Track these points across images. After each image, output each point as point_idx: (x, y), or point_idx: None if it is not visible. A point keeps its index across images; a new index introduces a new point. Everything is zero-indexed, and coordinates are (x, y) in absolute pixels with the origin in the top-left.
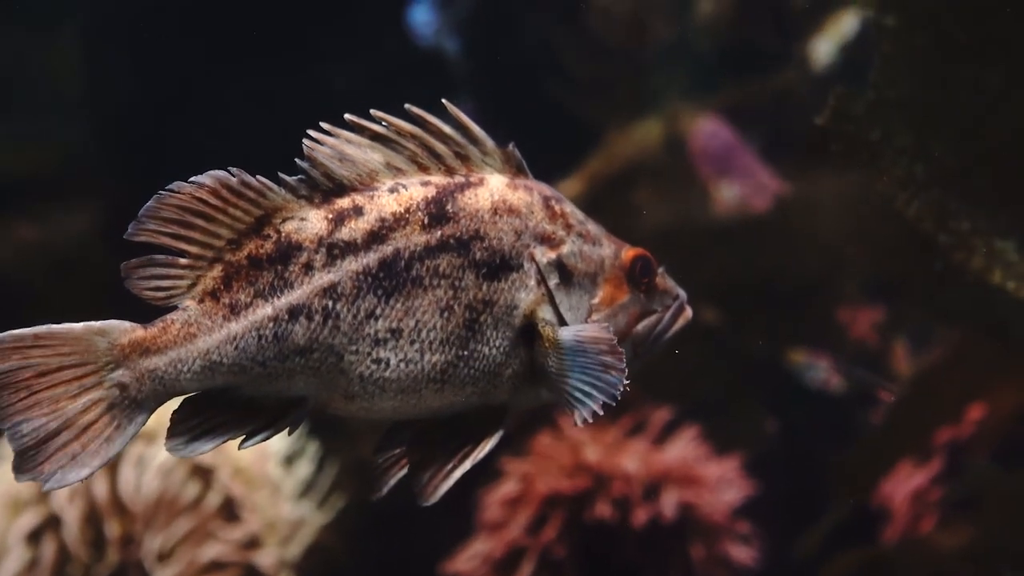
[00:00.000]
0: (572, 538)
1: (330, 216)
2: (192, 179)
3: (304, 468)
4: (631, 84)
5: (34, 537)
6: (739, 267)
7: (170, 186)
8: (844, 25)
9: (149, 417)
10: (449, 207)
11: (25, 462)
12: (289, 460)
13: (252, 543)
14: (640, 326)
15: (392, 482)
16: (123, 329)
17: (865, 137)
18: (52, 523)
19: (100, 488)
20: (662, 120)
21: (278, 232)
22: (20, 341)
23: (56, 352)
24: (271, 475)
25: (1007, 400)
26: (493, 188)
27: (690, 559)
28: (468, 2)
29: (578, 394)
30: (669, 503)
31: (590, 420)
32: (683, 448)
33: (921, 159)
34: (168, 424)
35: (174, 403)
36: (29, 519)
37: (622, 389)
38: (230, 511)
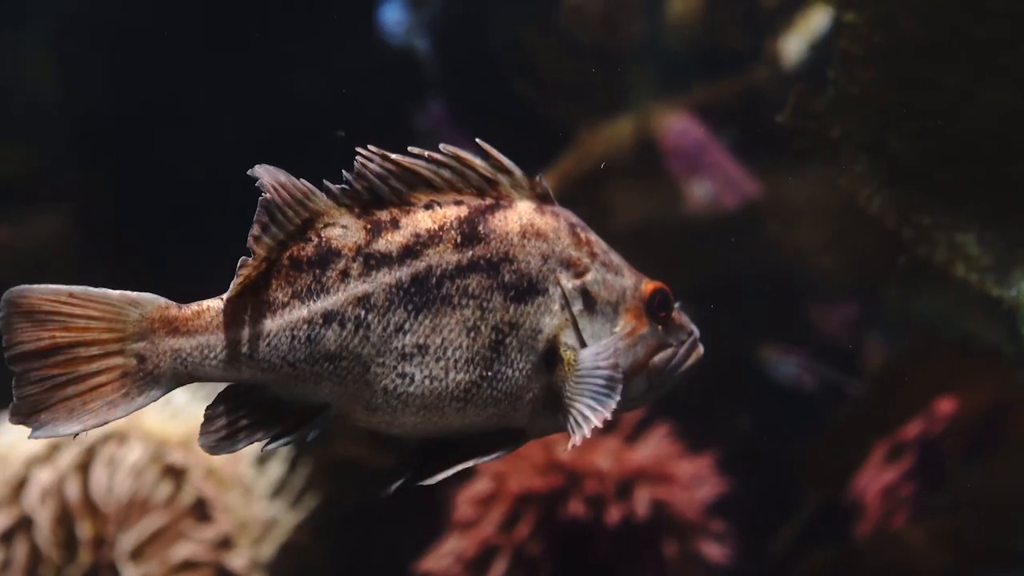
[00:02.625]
0: (545, 536)
1: (369, 227)
2: (260, 172)
3: (277, 468)
4: (602, 83)
5: (6, 538)
6: (711, 264)
7: (266, 178)
8: (814, 22)
9: (163, 395)
10: (481, 228)
11: (23, 407)
12: (261, 460)
13: (224, 543)
14: (656, 358)
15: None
16: (158, 304)
17: (826, 134)
18: (24, 524)
19: (72, 489)
20: (634, 118)
21: (319, 236)
22: (55, 294)
23: (86, 312)
24: (243, 475)
25: (978, 395)
26: (522, 212)
27: (663, 557)
28: (439, 1)
29: (580, 417)
30: (642, 501)
31: (578, 444)
32: (656, 446)
33: (881, 156)
34: (194, 423)
35: (152, 408)
36: (1, 520)
37: (609, 416)
38: (202, 511)
